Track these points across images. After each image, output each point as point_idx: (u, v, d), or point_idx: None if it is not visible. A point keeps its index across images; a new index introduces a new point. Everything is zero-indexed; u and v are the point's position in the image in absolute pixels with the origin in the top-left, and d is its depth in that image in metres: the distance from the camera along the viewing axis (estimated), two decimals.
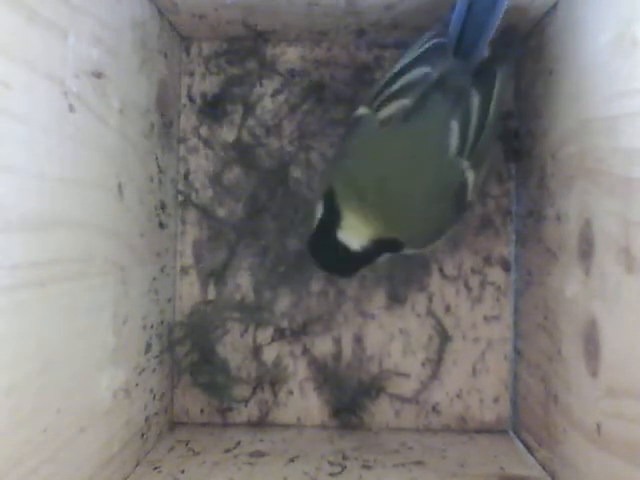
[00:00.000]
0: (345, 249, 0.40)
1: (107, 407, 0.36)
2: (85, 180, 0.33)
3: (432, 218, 0.42)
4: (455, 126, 0.39)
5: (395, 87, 0.40)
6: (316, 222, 0.41)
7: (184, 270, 0.51)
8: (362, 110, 0.42)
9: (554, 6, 0.41)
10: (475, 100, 0.39)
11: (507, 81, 0.41)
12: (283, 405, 0.51)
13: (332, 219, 0.40)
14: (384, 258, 0.42)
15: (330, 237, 0.40)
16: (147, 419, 0.44)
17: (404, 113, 0.39)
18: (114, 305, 0.37)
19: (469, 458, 0.44)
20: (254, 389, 0.51)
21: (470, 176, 0.40)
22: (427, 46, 0.40)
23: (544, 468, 0.42)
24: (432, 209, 0.41)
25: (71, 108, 0.31)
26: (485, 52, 0.39)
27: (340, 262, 0.41)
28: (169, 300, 0.49)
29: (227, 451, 0.45)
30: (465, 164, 0.40)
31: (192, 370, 0.50)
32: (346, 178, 0.41)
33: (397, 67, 0.41)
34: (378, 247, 0.41)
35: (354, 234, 0.40)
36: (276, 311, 0.51)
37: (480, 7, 0.38)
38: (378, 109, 0.40)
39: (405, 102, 0.39)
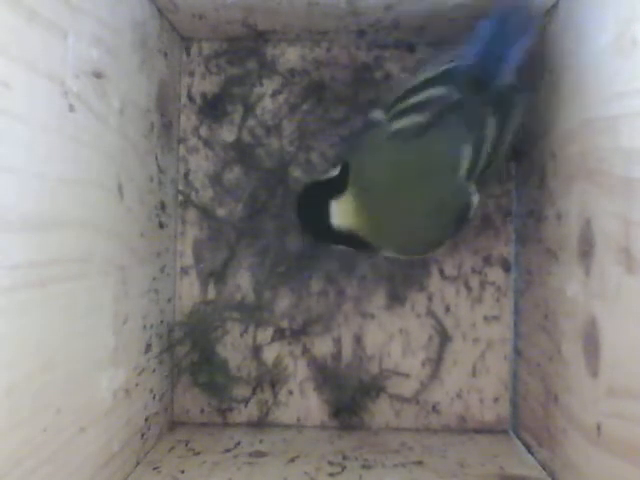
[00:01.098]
0: (327, 218, 0.41)
1: (107, 407, 0.36)
2: (85, 180, 0.33)
3: (429, 233, 0.42)
4: (468, 151, 0.39)
5: (412, 101, 0.40)
6: (327, 176, 0.43)
7: (184, 270, 0.51)
8: (378, 114, 0.42)
9: (554, 6, 0.41)
10: (491, 128, 0.39)
11: (524, 112, 0.40)
12: (283, 405, 0.51)
13: (337, 187, 0.41)
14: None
15: (324, 198, 0.41)
16: (147, 419, 0.44)
17: (417, 129, 0.40)
18: (114, 305, 0.37)
19: (469, 458, 0.44)
20: (254, 389, 0.51)
21: (475, 200, 0.41)
22: (450, 66, 0.40)
23: (544, 468, 0.42)
24: (431, 225, 0.42)
25: (71, 108, 0.31)
26: (507, 79, 0.39)
27: (314, 221, 0.43)
28: (169, 300, 0.49)
29: (227, 451, 0.45)
30: (472, 188, 0.40)
31: (192, 370, 0.50)
32: (359, 172, 0.41)
33: (417, 80, 0.41)
34: (351, 240, 0.42)
35: (342, 214, 0.41)
36: (276, 311, 0.51)
37: (506, 36, 0.38)
38: (392, 119, 0.41)
39: (420, 119, 0.40)
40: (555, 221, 0.41)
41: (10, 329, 0.26)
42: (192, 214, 0.51)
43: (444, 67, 0.40)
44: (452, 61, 0.40)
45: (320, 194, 0.42)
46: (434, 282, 0.51)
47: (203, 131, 0.51)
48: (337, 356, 0.50)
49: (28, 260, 0.28)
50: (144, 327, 0.43)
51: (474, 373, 0.50)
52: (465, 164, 0.39)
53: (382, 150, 0.41)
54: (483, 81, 0.39)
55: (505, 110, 0.39)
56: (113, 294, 0.37)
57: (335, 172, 0.42)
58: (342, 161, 0.42)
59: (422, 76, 0.41)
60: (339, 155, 0.49)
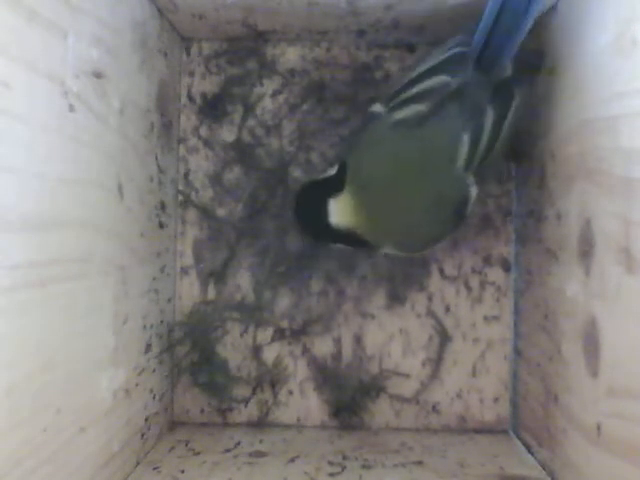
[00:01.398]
0: (325, 217, 0.42)
1: (107, 407, 0.36)
2: (85, 180, 0.33)
3: (428, 226, 0.42)
4: (466, 140, 0.39)
5: (413, 91, 0.40)
6: (324, 175, 0.43)
7: (184, 270, 0.51)
8: (377, 107, 0.42)
9: (554, 6, 0.41)
10: (489, 118, 0.39)
11: (523, 103, 0.40)
12: (283, 405, 0.51)
13: (334, 186, 0.41)
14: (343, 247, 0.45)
15: (322, 198, 0.42)
16: (147, 419, 0.44)
17: (418, 119, 0.40)
18: (114, 305, 0.37)
19: (469, 458, 0.44)
20: (254, 389, 0.51)
21: (473, 191, 0.41)
22: (449, 54, 0.40)
23: (544, 468, 0.42)
24: (430, 218, 0.42)
25: (71, 108, 0.31)
26: (507, 70, 0.39)
27: (312, 220, 0.43)
28: (169, 300, 0.49)
29: (227, 451, 0.45)
30: (470, 179, 0.40)
31: (192, 370, 0.50)
32: (357, 170, 0.41)
33: (417, 71, 0.41)
34: (350, 238, 0.42)
35: (340, 212, 0.41)
36: (276, 311, 0.51)
37: (507, 22, 0.37)
38: (393, 110, 0.41)
39: (421, 108, 0.40)
40: (555, 221, 0.41)
41: (10, 329, 0.26)
42: (192, 214, 0.51)
43: (446, 55, 0.40)
44: (455, 47, 0.40)
45: (318, 193, 0.42)
46: (434, 282, 0.51)
47: (203, 131, 0.51)
48: (337, 356, 0.50)
49: (28, 260, 0.28)
50: (144, 327, 0.43)
51: (474, 373, 0.50)
52: (463, 154, 0.39)
53: (382, 142, 0.41)
54: (486, 67, 0.39)
55: (504, 101, 0.39)
56: (113, 294, 0.37)
57: (333, 171, 0.42)
58: (340, 160, 0.43)
59: (423, 66, 0.41)
60: (338, 155, 0.49)
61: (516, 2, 0.36)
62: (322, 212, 0.42)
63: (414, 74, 0.41)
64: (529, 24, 0.37)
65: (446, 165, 0.40)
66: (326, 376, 0.50)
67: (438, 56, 0.40)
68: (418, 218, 0.42)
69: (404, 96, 0.41)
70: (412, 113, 0.40)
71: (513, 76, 0.39)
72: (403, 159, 0.40)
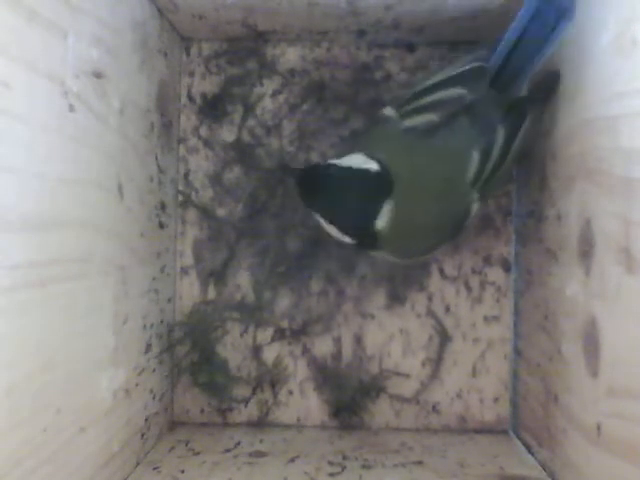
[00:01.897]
0: (372, 216, 0.39)
1: (107, 407, 0.36)
2: (85, 180, 0.33)
3: (426, 236, 0.42)
4: (476, 156, 0.39)
5: (426, 100, 0.40)
6: (351, 169, 0.39)
7: (184, 270, 0.51)
8: (389, 111, 0.42)
9: None
10: (500, 137, 0.39)
11: (535, 125, 0.40)
12: (283, 405, 0.51)
13: (384, 186, 0.39)
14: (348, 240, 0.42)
15: (373, 196, 0.39)
16: (147, 419, 0.44)
17: (429, 128, 0.39)
18: (114, 305, 0.37)
19: (469, 458, 0.44)
20: (254, 389, 0.51)
21: (475, 207, 0.41)
22: (467, 67, 0.40)
23: (544, 468, 0.42)
24: (430, 226, 0.41)
25: (71, 108, 0.31)
26: (522, 89, 0.39)
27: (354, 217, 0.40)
28: (169, 300, 0.49)
29: (227, 451, 0.45)
30: (475, 195, 0.40)
31: (192, 370, 0.50)
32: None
33: (432, 80, 0.41)
34: (360, 239, 0.41)
35: (384, 214, 0.39)
36: (276, 311, 0.51)
37: (528, 44, 0.37)
38: (405, 116, 0.40)
39: (433, 118, 0.39)
40: (555, 221, 0.41)
41: (10, 329, 0.26)
42: (192, 214, 0.51)
43: (464, 67, 0.40)
44: (473, 61, 0.40)
45: (367, 190, 0.39)
46: (434, 282, 0.51)
47: (203, 131, 0.51)
48: (337, 356, 0.50)
49: (28, 260, 0.28)
50: (144, 327, 0.43)
51: (474, 373, 0.50)
52: (472, 169, 0.39)
53: (392, 147, 0.40)
54: (501, 85, 0.39)
55: (516, 121, 0.39)
56: (113, 294, 0.37)
57: (368, 166, 0.39)
58: (377, 158, 0.39)
59: (439, 76, 0.41)
60: (338, 155, 0.49)
61: (540, 29, 0.37)
62: (369, 211, 0.39)
63: (429, 83, 0.41)
64: (551, 50, 0.37)
65: (453, 178, 0.40)
66: (326, 376, 0.50)
67: (456, 68, 0.40)
68: (418, 226, 0.41)
69: (417, 104, 0.40)
70: (424, 122, 0.40)
71: (527, 96, 0.39)
72: (411, 169, 0.40)
